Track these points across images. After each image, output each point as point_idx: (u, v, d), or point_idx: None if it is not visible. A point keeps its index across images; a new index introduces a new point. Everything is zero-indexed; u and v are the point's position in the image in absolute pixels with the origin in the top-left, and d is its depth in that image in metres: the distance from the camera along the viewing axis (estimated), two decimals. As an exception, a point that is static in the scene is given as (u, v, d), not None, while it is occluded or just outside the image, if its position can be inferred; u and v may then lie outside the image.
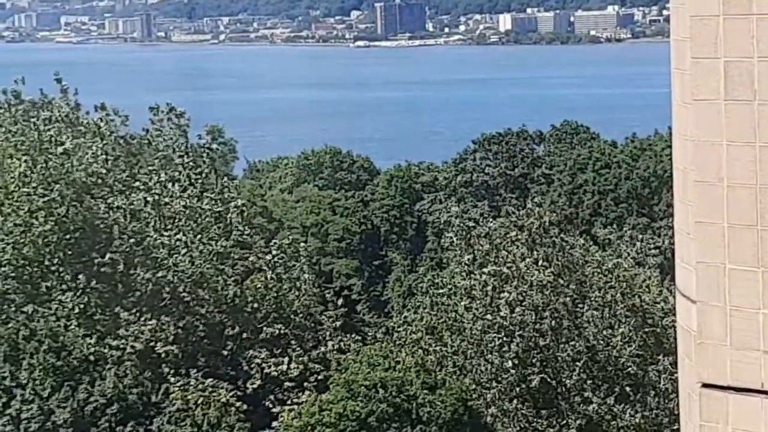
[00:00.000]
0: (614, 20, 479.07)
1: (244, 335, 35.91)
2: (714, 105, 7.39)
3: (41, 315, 31.92)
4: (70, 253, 34.74)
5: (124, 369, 31.11)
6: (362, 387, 30.91)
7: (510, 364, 33.92)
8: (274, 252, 38.41)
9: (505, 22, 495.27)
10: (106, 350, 31.93)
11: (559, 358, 34.44)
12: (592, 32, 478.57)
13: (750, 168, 7.29)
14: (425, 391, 31.55)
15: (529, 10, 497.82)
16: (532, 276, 34.39)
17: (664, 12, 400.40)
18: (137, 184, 36.87)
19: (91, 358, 31.45)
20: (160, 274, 34.98)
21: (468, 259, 35.93)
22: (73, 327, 32.06)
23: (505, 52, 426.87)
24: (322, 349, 36.50)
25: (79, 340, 31.57)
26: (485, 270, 34.66)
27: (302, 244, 40.35)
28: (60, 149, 35.19)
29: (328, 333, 37.71)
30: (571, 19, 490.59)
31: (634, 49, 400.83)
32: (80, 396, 30.24)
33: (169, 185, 37.16)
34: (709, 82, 7.40)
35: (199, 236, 36.58)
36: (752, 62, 7.23)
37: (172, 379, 31.81)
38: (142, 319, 33.40)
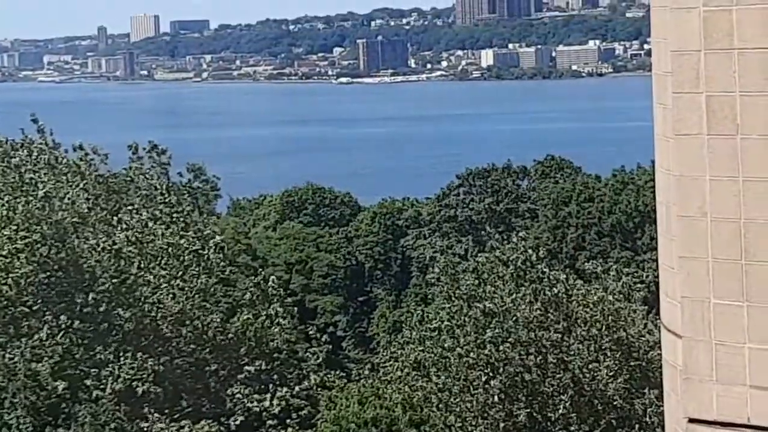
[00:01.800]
0: (595, 55, 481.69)
1: (224, 372, 35.75)
2: (696, 139, 7.37)
3: (21, 354, 31.67)
4: (52, 293, 34.55)
5: (104, 410, 30.83)
6: (352, 424, 30.73)
7: (496, 399, 33.77)
8: (251, 289, 38.35)
9: (487, 57, 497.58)
10: (86, 391, 31.68)
11: (545, 392, 34.32)
12: (574, 67, 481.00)
13: (733, 202, 7.26)
14: (413, 429, 31.39)
15: (510, 46, 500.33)
16: (518, 312, 34.30)
17: (645, 46, 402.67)
18: (122, 224, 36.74)
19: (72, 399, 31.18)
20: (142, 312, 34.81)
21: (454, 295, 35.83)
22: (53, 367, 31.80)
23: (487, 87, 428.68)
24: (306, 384, 36.36)
25: (60, 382, 31.31)
26: (475, 305, 34.55)
27: (272, 280, 40.05)
28: (41, 193, 35.06)
29: (311, 369, 37.57)
30: (553, 54, 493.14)
31: (615, 83, 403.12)
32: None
33: (151, 224, 37.04)
34: (691, 116, 7.38)
35: (181, 273, 36.45)
36: (734, 97, 7.21)
37: (151, 419, 31.58)
38: (122, 358, 33.17)
